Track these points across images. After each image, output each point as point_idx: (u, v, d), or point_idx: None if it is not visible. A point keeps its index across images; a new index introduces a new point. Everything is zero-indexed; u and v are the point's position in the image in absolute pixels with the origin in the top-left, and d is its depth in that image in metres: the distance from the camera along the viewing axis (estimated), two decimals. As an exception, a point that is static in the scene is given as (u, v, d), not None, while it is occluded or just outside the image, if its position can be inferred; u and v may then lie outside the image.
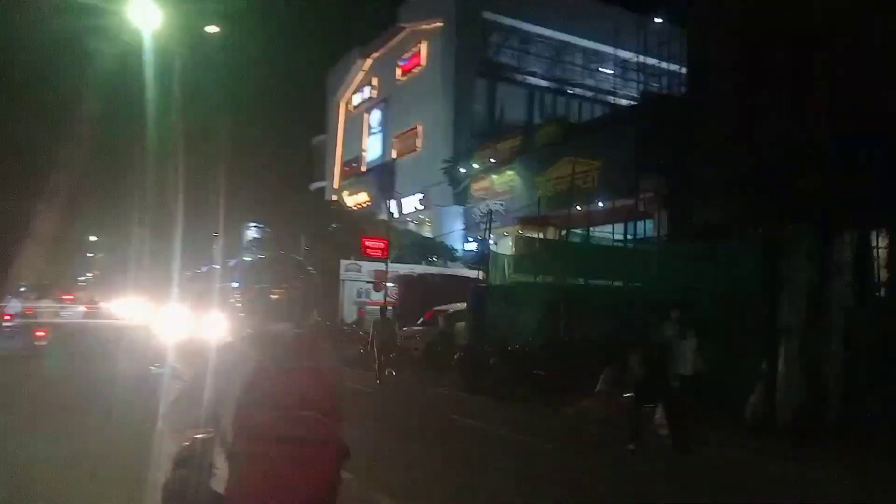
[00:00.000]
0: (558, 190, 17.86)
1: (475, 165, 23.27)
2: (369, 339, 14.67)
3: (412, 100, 40.11)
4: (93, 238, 54.45)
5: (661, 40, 38.35)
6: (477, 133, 34.66)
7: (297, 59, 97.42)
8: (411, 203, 38.61)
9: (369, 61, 47.29)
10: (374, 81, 46.41)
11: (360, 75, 48.50)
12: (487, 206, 22.26)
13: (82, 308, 29.60)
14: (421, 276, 22.29)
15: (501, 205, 21.23)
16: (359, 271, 25.74)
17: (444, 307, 16.06)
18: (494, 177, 21.98)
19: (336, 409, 2.17)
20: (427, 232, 36.10)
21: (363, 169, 46.98)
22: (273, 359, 2.12)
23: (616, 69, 41.48)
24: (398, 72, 42.62)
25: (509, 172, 20.95)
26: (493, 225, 22.54)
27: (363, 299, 25.34)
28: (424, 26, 39.09)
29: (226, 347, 2.25)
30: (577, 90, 38.94)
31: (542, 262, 14.50)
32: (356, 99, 49.15)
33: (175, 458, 2.20)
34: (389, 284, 21.76)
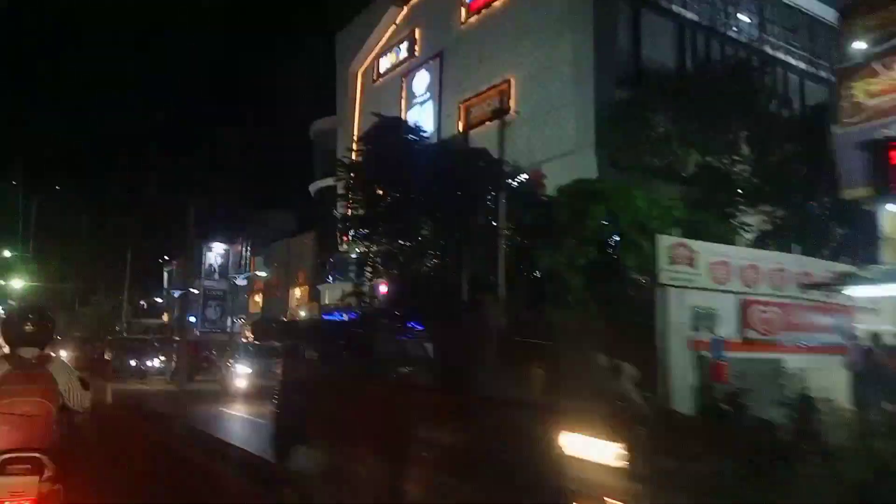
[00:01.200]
0: None
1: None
2: None
3: (491, 47, 28.16)
4: (6, 253, 39.41)
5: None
6: (624, 79, 23.23)
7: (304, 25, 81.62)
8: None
9: (405, 10, 35.21)
10: (416, 34, 34.23)
11: (391, 31, 36.21)
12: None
13: None
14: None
15: None
16: (690, 264, 9.95)
17: None
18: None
19: (57, 392, 4.14)
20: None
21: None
22: (20, 367, 4.07)
23: (755, 16, 31.24)
24: (462, 13, 30.66)
25: None
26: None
27: (718, 337, 9.75)
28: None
29: None
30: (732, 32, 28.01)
31: None
32: (385, 63, 36.68)
33: None
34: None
